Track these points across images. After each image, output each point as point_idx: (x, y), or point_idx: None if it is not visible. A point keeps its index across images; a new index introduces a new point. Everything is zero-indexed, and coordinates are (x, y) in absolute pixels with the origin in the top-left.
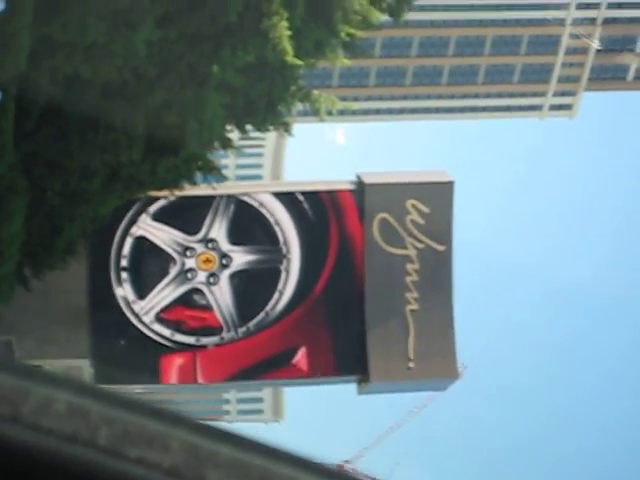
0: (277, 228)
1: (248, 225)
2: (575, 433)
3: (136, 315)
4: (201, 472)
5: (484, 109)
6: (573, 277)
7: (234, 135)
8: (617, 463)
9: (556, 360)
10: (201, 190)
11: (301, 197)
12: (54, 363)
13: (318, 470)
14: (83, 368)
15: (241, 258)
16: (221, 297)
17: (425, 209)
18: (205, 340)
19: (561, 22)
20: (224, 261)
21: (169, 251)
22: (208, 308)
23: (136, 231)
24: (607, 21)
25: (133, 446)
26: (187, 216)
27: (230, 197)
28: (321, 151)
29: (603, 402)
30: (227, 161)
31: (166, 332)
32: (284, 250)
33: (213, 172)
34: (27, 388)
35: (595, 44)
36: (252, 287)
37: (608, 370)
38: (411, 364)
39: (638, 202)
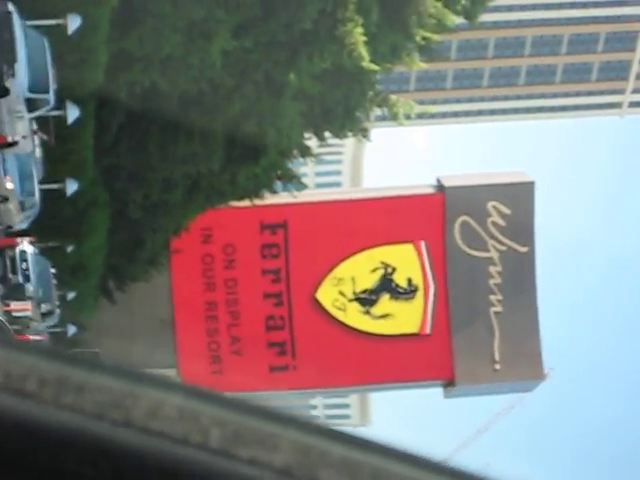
0: None
1: None
2: None
3: None
4: (313, 471)
5: (562, 108)
6: None
7: (312, 142)
8: None
9: None
10: (282, 199)
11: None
12: None
13: (432, 466)
14: (170, 379)
15: None
16: None
17: (506, 210)
18: None
19: (638, 18)
20: None
21: None
22: None
23: None
24: None
25: (245, 447)
26: None
27: None
28: (401, 156)
29: None
30: (306, 169)
31: None
32: None
33: (293, 180)
34: (137, 392)
35: None
36: None
37: None
38: (497, 366)
39: None
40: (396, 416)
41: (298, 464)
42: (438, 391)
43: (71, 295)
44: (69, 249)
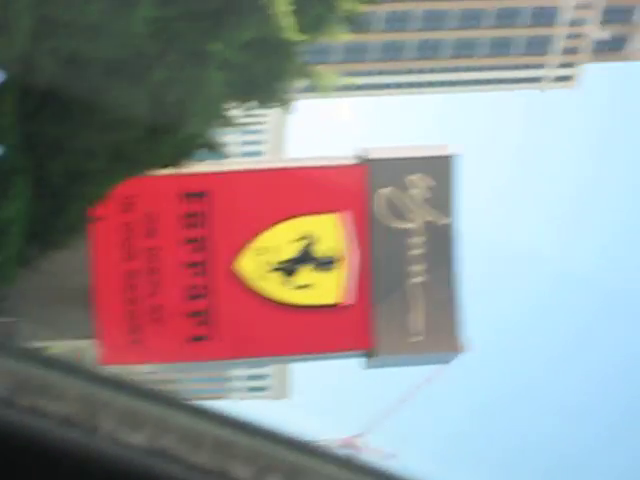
0: None
1: None
2: (582, 422)
3: None
4: (93, 420)
5: (487, 82)
6: (579, 263)
7: (236, 112)
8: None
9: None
10: (204, 167)
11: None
12: (57, 344)
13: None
14: (86, 349)
15: None
16: None
17: (429, 183)
18: None
19: None
20: None
21: None
22: None
23: None
24: None
25: (27, 396)
26: None
27: None
28: (325, 128)
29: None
30: (230, 138)
31: None
32: None
33: (215, 149)
34: None
35: (600, 33)
36: None
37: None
38: (417, 337)
39: None
40: (316, 388)
41: (79, 413)
42: (358, 362)
43: None
44: None
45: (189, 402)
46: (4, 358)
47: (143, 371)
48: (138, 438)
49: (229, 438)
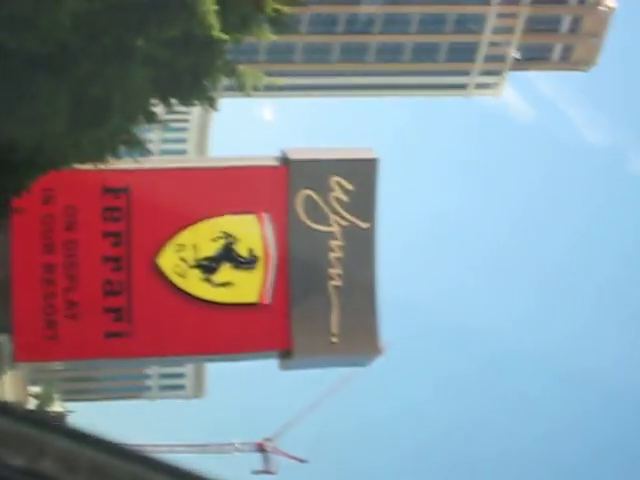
0: None
1: None
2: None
3: None
4: None
5: (410, 87)
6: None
7: (159, 109)
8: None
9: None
10: (126, 164)
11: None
12: None
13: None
14: (4, 343)
15: None
16: None
17: (349, 186)
18: None
19: (486, 1)
20: None
21: None
22: None
23: None
24: (533, 1)
25: None
26: None
27: None
28: (248, 127)
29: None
30: (152, 135)
31: None
32: None
33: (137, 146)
34: None
35: (514, 53)
36: None
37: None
38: (334, 339)
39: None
40: (232, 389)
41: None
42: (275, 364)
43: None
44: None
45: (67, 426)
46: None
47: (57, 368)
48: (19, 460)
49: (106, 461)
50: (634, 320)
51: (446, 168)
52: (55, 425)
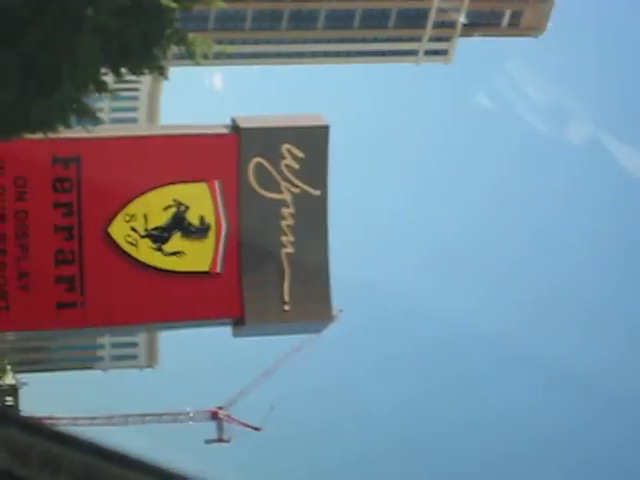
0: None
1: None
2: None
3: None
4: None
5: (360, 54)
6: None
7: (109, 78)
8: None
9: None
10: (76, 133)
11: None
12: None
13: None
14: None
15: None
16: None
17: (300, 154)
18: None
19: None
20: None
21: None
22: None
23: None
24: None
25: None
26: None
27: None
28: (198, 96)
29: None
30: (102, 104)
31: None
32: None
33: (88, 115)
34: None
35: (461, 18)
36: None
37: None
38: (286, 307)
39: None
40: (184, 357)
41: None
42: (228, 333)
43: None
44: None
45: (20, 416)
46: None
47: (10, 338)
48: None
49: (58, 452)
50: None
51: (396, 138)
52: (6, 415)
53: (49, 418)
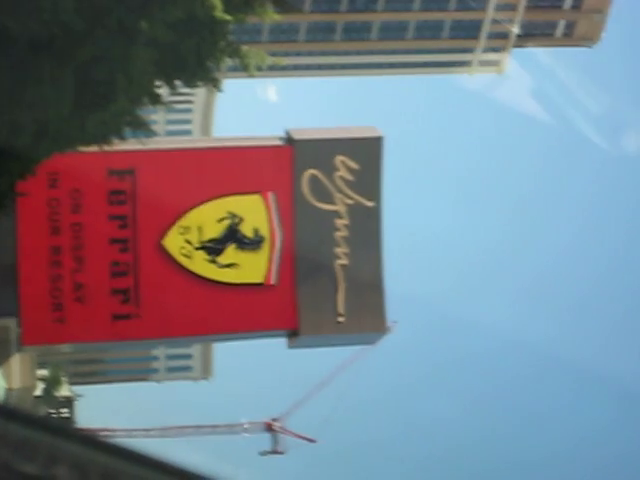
0: None
1: None
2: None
3: None
4: None
5: (414, 65)
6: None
7: (163, 91)
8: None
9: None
10: (130, 145)
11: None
12: None
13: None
14: (10, 328)
15: None
16: None
17: (354, 165)
18: None
19: None
20: None
21: None
22: None
23: None
24: None
25: None
26: None
27: None
28: (252, 107)
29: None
30: (156, 117)
31: None
32: None
33: (142, 127)
34: None
35: (515, 29)
36: None
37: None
38: (341, 318)
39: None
40: (239, 369)
41: None
42: (282, 345)
43: None
44: None
45: (80, 431)
46: None
47: (65, 351)
48: (31, 467)
49: (117, 467)
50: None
51: (449, 148)
52: (66, 430)
53: (104, 430)
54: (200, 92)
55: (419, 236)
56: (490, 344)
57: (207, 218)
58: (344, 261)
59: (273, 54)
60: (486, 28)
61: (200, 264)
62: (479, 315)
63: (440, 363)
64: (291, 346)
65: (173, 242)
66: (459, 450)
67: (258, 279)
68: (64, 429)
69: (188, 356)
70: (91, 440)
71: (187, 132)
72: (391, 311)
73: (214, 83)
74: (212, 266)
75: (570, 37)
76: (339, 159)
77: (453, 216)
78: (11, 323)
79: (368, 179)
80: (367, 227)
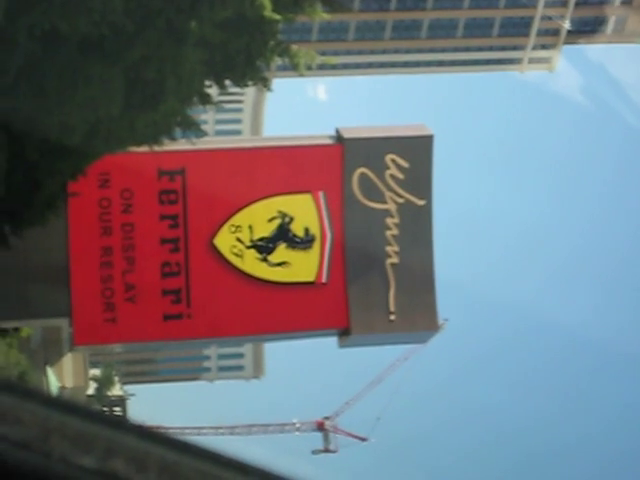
0: None
1: None
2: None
3: None
4: (47, 443)
5: (464, 63)
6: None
7: (213, 91)
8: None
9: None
10: (181, 145)
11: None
12: (34, 323)
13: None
14: (62, 328)
15: None
16: None
17: (404, 163)
18: None
19: None
20: None
21: None
22: None
23: None
24: None
25: None
26: None
27: None
28: (302, 106)
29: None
30: (206, 116)
31: None
32: None
33: (192, 127)
34: None
35: (566, 25)
36: None
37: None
38: (392, 317)
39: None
40: (290, 368)
41: (34, 436)
42: (333, 344)
43: None
44: None
45: (136, 424)
46: None
47: (117, 350)
48: (89, 460)
49: (175, 459)
50: None
51: (498, 146)
52: (122, 422)
53: (157, 428)
54: (250, 92)
55: (458, 220)
56: (530, 324)
57: (258, 217)
58: (395, 260)
59: (323, 53)
60: (536, 25)
61: (251, 263)
62: (519, 297)
63: (486, 349)
64: (342, 345)
65: (224, 241)
66: (511, 436)
67: (309, 278)
68: (121, 422)
69: (240, 355)
70: (148, 433)
71: (237, 132)
72: (444, 307)
73: (264, 82)
74: (263, 265)
75: (621, 33)
76: (389, 157)
77: (509, 207)
78: (63, 323)
79: (418, 177)
80: (418, 225)
